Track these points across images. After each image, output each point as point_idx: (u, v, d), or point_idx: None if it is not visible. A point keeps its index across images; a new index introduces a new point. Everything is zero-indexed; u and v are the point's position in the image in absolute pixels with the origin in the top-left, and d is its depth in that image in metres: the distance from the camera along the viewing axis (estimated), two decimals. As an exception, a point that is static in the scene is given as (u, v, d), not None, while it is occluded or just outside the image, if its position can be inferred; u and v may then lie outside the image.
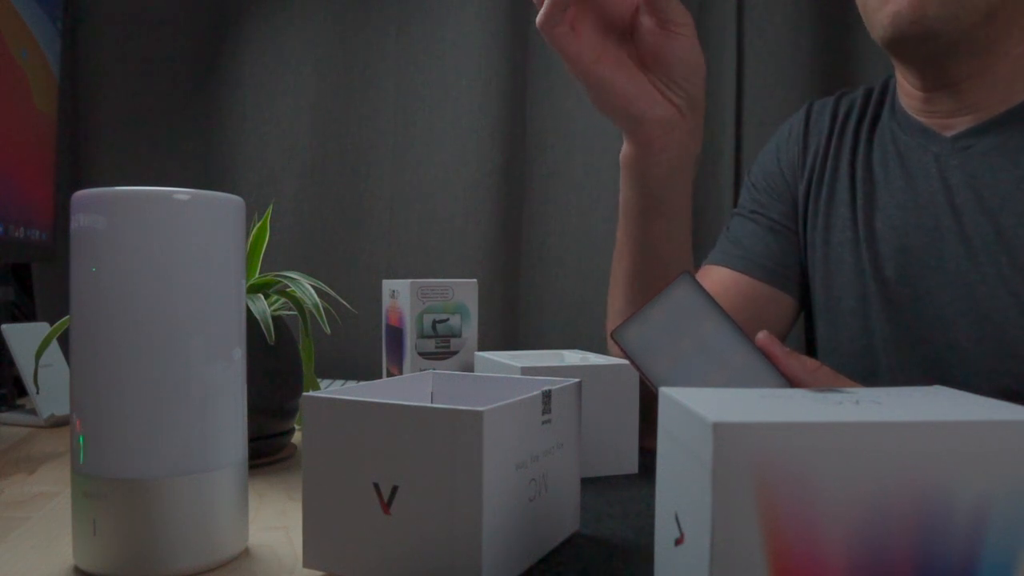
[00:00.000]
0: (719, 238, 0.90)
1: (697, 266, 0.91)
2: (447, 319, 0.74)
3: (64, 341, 0.93)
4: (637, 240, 0.71)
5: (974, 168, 0.70)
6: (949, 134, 0.73)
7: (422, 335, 0.73)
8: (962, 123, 0.72)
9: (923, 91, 0.74)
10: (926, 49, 0.69)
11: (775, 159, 0.88)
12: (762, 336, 0.49)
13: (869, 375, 0.77)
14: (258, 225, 0.70)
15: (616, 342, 0.49)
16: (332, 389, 0.64)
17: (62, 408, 0.81)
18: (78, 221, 0.40)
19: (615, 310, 0.77)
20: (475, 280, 0.77)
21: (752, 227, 0.87)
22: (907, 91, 0.76)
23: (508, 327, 1.27)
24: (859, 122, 0.82)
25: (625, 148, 0.69)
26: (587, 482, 0.59)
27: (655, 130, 0.65)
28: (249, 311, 0.61)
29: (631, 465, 0.62)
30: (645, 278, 0.73)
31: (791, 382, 0.48)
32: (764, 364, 0.48)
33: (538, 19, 0.61)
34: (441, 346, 0.74)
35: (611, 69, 0.64)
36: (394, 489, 0.38)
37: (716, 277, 0.86)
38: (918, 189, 0.74)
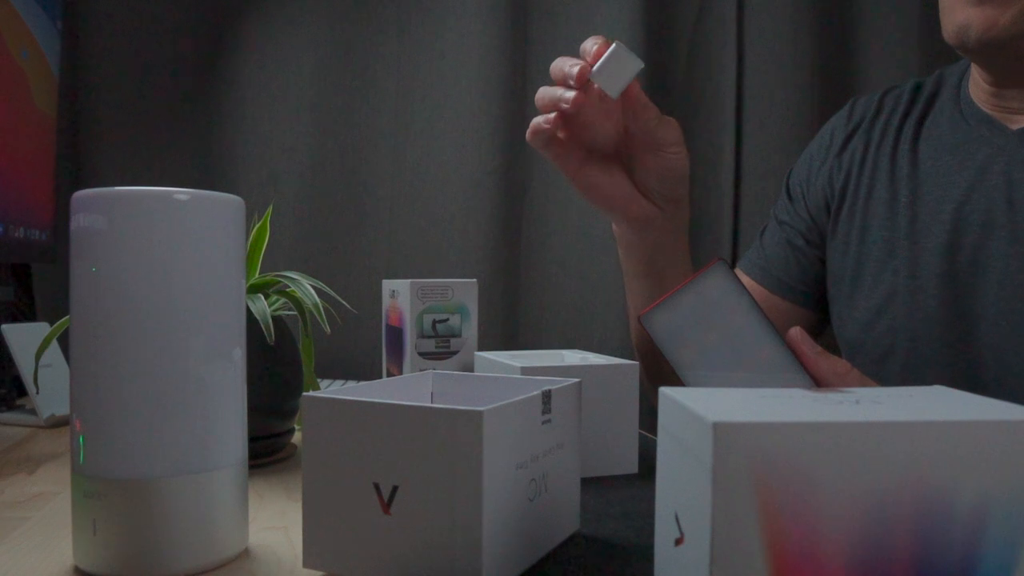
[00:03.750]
0: (755, 240, 0.92)
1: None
2: (447, 319, 0.74)
3: (64, 341, 0.93)
4: (636, 293, 0.79)
5: None
6: (1015, 127, 0.71)
7: (422, 335, 0.73)
8: None
9: (992, 86, 0.72)
10: (993, 58, 0.69)
11: (807, 166, 0.87)
12: (793, 332, 0.48)
13: (895, 373, 0.76)
14: (258, 225, 0.70)
15: (643, 326, 0.48)
16: (332, 389, 0.64)
17: (62, 408, 0.81)
18: (78, 221, 0.40)
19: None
20: (475, 280, 0.77)
21: (779, 237, 0.88)
22: (977, 81, 0.74)
23: (508, 327, 1.27)
24: (904, 119, 0.80)
25: (613, 225, 0.75)
26: (587, 482, 0.59)
27: (635, 224, 0.72)
28: (249, 311, 0.61)
29: (631, 465, 0.62)
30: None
31: (818, 383, 0.47)
32: (791, 362, 0.47)
33: (527, 134, 0.67)
34: (441, 346, 0.74)
35: (596, 173, 0.69)
36: (394, 489, 0.38)
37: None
38: (973, 181, 0.71)
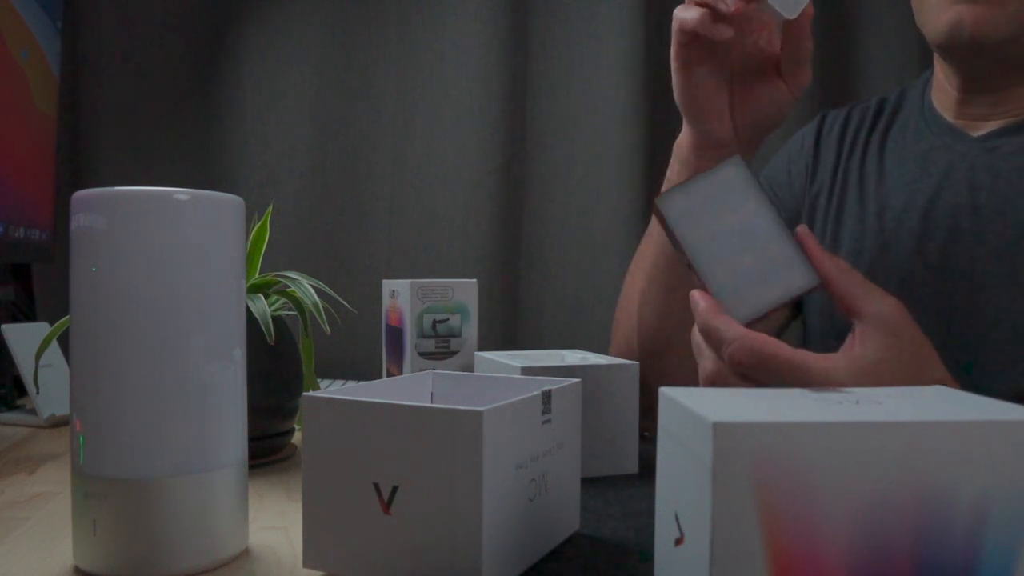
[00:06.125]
0: None
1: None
2: (447, 319, 0.74)
3: (64, 341, 0.93)
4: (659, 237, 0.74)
5: (1000, 168, 0.69)
6: (977, 134, 0.72)
7: (422, 335, 0.73)
8: (993, 125, 0.72)
9: (961, 92, 0.73)
10: (977, 59, 0.69)
11: (785, 170, 0.88)
12: (801, 228, 0.49)
13: None
14: (258, 225, 0.70)
15: (658, 208, 0.49)
16: (332, 389, 0.64)
17: (62, 408, 0.81)
18: (78, 221, 0.40)
19: (636, 289, 0.79)
20: (475, 280, 0.77)
21: None
22: (943, 89, 0.75)
23: (508, 327, 1.27)
24: (870, 132, 0.81)
25: (681, 135, 0.72)
26: (587, 482, 0.59)
27: (703, 141, 0.69)
28: (249, 311, 0.61)
29: (631, 465, 0.62)
30: (670, 276, 0.75)
31: (822, 276, 0.49)
32: (799, 254, 0.49)
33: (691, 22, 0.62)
34: (441, 346, 0.74)
35: (703, 75, 0.66)
36: (394, 489, 0.38)
37: None
38: (938, 188, 0.73)
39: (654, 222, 0.76)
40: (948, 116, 0.75)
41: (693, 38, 0.63)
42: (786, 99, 0.66)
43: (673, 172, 0.73)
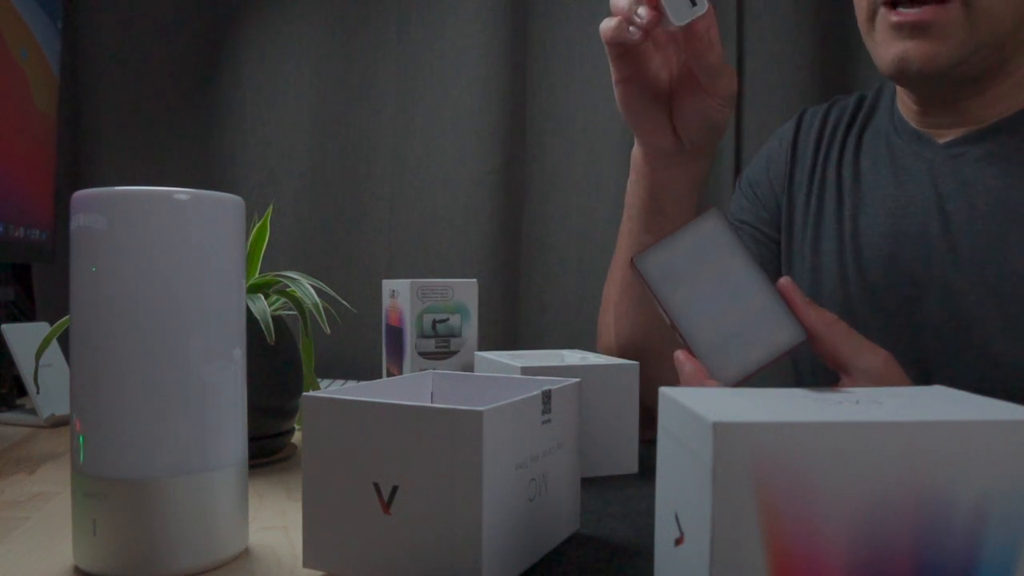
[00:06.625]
0: None
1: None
2: (447, 319, 0.74)
3: (64, 341, 0.93)
4: (632, 235, 0.75)
5: (966, 175, 0.70)
6: (943, 141, 0.73)
7: (422, 335, 0.73)
8: (957, 132, 0.72)
9: (919, 106, 0.74)
10: (928, 85, 0.69)
11: (764, 168, 0.88)
12: (784, 281, 0.48)
13: None
14: (258, 225, 0.70)
15: (636, 268, 0.48)
16: (332, 389, 0.64)
17: (62, 408, 0.81)
18: (78, 221, 0.40)
19: (610, 303, 0.78)
20: (475, 280, 0.77)
21: (744, 238, 0.88)
22: (905, 101, 0.76)
23: (508, 327, 1.27)
24: (848, 129, 0.82)
25: (634, 147, 0.72)
26: (587, 482, 0.59)
27: (652, 152, 0.69)
28: (249, 311, 0.61)
29: (631, 465, 0.62)
30: (639, 287, 0.75)
31: (807, 330, 0.48)
32: (783, 308, 0.47)
33: (608, 33, 0.62)
34: (441, 346, 0.74)
35: (636, 92, 0.66)
36: (394, 489, 0.38)
37: None
38: (909, 195, 0.74)
39: (621, 237, 0.77)
40: (913, 124, 0.76)
41: (621, 50, 0.63)
42: (716, 109, 0.65)
43: (631, 182, 0.74)
